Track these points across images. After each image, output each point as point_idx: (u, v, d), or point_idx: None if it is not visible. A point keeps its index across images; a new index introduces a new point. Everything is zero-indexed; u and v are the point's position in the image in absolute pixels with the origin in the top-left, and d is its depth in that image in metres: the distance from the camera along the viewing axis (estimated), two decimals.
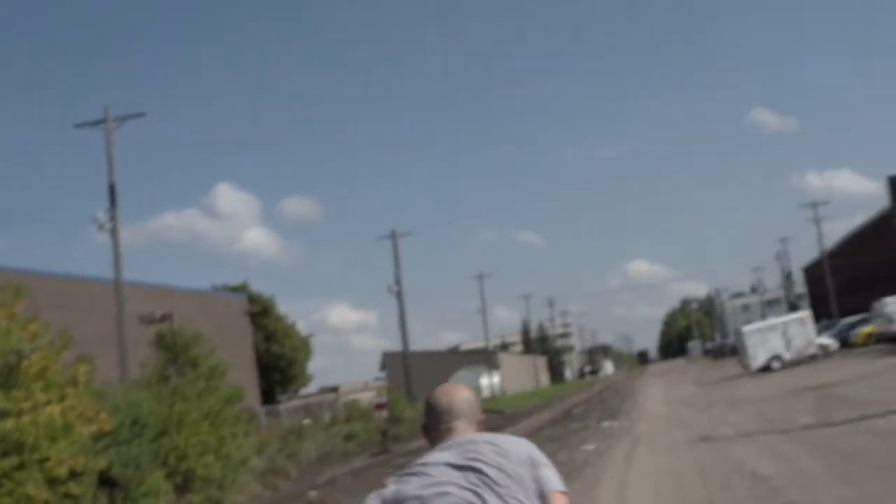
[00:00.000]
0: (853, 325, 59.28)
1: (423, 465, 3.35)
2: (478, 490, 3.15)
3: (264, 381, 66.94)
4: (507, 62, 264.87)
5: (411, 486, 3.28)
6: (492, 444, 3.34)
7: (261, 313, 73.60)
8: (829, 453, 13.95)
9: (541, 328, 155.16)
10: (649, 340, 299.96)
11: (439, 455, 3.34)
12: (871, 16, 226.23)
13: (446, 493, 3.17)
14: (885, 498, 9.74)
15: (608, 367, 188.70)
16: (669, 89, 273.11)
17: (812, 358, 49.07)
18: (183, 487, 23.69)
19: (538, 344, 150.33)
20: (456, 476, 3.22)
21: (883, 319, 48.56)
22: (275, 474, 29.81)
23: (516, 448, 3.35)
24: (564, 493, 3.28)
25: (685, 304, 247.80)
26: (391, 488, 3.38)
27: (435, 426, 3.53)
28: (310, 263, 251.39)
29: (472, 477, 3.19)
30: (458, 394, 3.61)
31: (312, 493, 22.89)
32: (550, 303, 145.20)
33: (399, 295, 60.50)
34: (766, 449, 16.02)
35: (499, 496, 3.14)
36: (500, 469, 3.21)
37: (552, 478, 3.29)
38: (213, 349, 28.53)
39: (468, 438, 3.39)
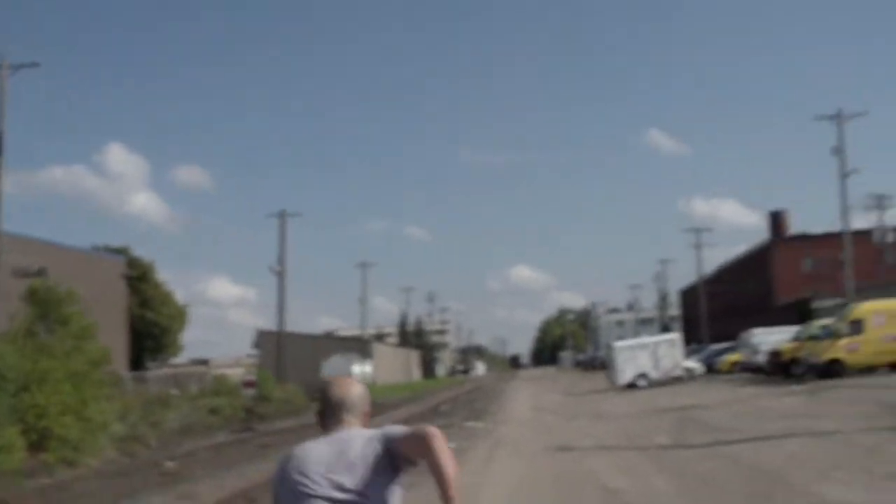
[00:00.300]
0: (720, 352, 60.94)
1: (293, 463, 3.77)
2: (340, 482, 3.60)
3: (135, 347, 65.59)
4: (414, 61, 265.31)
5: (290, 465, 3.78)
6: (364, 437, 3.75)
7: (139, 278, 72.15)
8: (682, 474, 14.30)
9: (418, 322, 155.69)
10: (524, 346, 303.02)
11: (319, 445, 3.80)
12: (770, 60, 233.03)
13: (313, 486, 3.62)
14: None
15: (480, 367, 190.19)
16: (571, 102, 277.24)
17: (677, 379, 50.26)
18: (38, 446, 23.10)
19: (414, 338, 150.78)
20: (331, 461, 3.67)
21: (749, 350, 50.02)
22: (135, 441, 29.24)
23: (376, 433, 3.77)
24: (401, 427, 3.80)
25: (562, 313, 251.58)
26: (291, 454, 3.87)
27: (327, 416, 3.93)
28: (195, 233, 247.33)
29: (338, 466, 3.64)
30: (351, 389, 4.01)
31: (169, 464, 22.52)
32: (430, 298, 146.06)
33: (280, 275, 59.89)
34: (622, 464, 16.33)
35: (364, 482, 3.59)
36: (363, 457, 3.64)
37: (396, 429, 3.75)
38: (86, 309, 27.89)
39: (347, 433, 3.80)
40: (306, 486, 3.64)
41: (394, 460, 3.65)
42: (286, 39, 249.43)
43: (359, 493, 3.58)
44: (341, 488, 3.60)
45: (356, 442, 3.72)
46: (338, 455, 3.68)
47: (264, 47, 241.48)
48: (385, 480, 3.64)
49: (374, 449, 3.66)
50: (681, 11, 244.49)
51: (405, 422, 32.83)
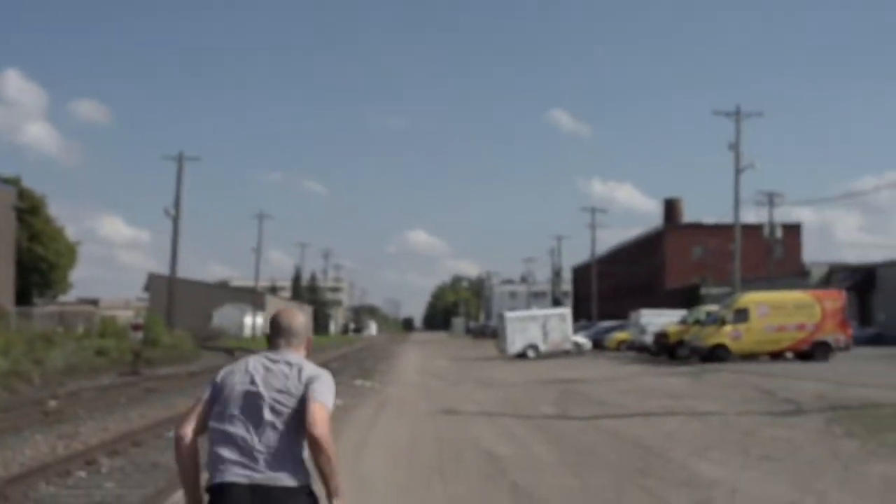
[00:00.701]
0: (608, 330, 62.10)
1: (236, 372, 4.55)
2: (269, 396, 4.39)
3: (21, 282, 63.77)
4: (328, 17, 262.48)
5: (231, 377, 4.52)
6: (290, 363, 4.52)
7: (29, 211, 70.08)
8: (563, 444, 14.61)
9: (313, 278, 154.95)
10: (417, 310, 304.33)
11: (257, 360, 4.58)
12: (684, 45, 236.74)
13: (247, 396, 4.39)
14: (605, 491, 10.31)
15: (372, 327, 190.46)
16: (477, 73, 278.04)
17: (566, 353, 51.08)
18: None
19: (307, 293, 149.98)
20: (260, 384, 4.43)
21: (636, 329, 51.11)
22: (17, 377, 28.62)
23: (308, 370, 4.49)
24: (322, 404, 4.34)
25: (456, 280, 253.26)
26: (221, 374, 4.59)
27: (274, 338, 4.69)
28: (90, 170, 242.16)
29: (268, 388, 4.42)
30: (295, 318, 4.78)
31: (52, 402, 22.13)
32: (326, 255, 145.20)
33: (175, 219, 58.90)
34: (505, 431, 16.60)
35: (284, 406, 4.37)
36: (285, 382, 4.43)
37: (319, 390, 4.39)
38: None
39: (281, 356, 4.57)
40: (232, 394, 4.45)
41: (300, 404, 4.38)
42: None
43: (275, 402, 4.39)
44: (267, 404, 4.38)
45: (293, 371, 4.49)
46: (270, 370, 4.49)
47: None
48: (297, 402, 4.38)
49: (297, 388, 4.41)
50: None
51: None
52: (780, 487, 10.49)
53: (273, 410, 4.37)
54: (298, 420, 4.33)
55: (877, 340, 55.97)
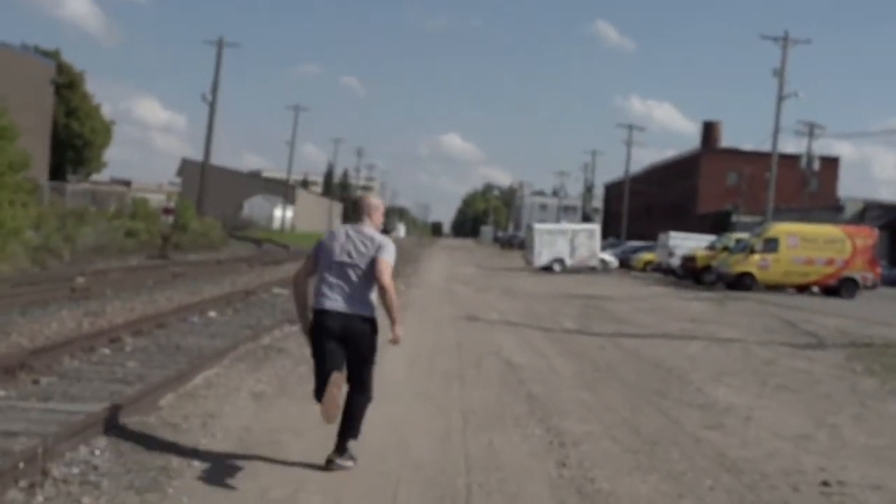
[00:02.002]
0: (636, 250, 62.01)
1: (335, 236, 7.21)
2: (354, 256, 7.04)
3: (56, 157, 64.09)
4: None
5: (332, 242, 7.15)
6: (368, 236, 7.13)
7: (67, 86, 70.05)
8: (581, 359, 14.70)
9: (345, 175, 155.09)
10: (446, 215, 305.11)
11: (349, 231, 7.20)
12: None
13: (342, 253, 7.07)
14: (618, 409, 10.39)
15: (401, 229, 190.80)
16: None
17: (592, 269, 51.15)
18: None
19: (339, 189, 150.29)
20: (347, 243, 7.10)
21: (664, 251, 51.03)
22: (47, 252, 28.96)
23: (378, 239, 7.11)
24: (387, 261, 7.02)
25: (487, 188, 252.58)
26: (324, 239, 7.29)
27: (357, 214, 7.32)
28: (129, 49, 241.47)
29: (351, 245, 7.09)
30: (371, 201, 7.44)
31: (80, 279, 22.40)
32: (359, 153, 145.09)
33: (212, 105, 58.85)
34: (525, 342, 16.71)
35: (365, 263, 7.02)
36: (363, 244, 7.07)
37: (386, 251, 7.05)
38: (6, 110, 27.15)
39: (363, 229, 7.18)
40: (333, 250, 7.11)
41: (376, 266, 7.02)
42: None
43: (355, 263, 7.04)
44: (349, 256, 7.07)
45: (366, 239, 7.11)
46: (353, 240, 7.11)
47: None
48: (367, 274, 7.02)
49: (371, 252, 7.04)
50: None
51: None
52: (794, 419, 10.53)
53: (355, 269, 7.05)
54: (370, 273, 7.02)
55: None
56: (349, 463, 7.18)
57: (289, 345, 13.79)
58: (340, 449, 7.18)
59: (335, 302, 7.00)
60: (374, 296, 7.07)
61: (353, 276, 7.00)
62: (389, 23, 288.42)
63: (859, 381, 13.82)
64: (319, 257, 7.16)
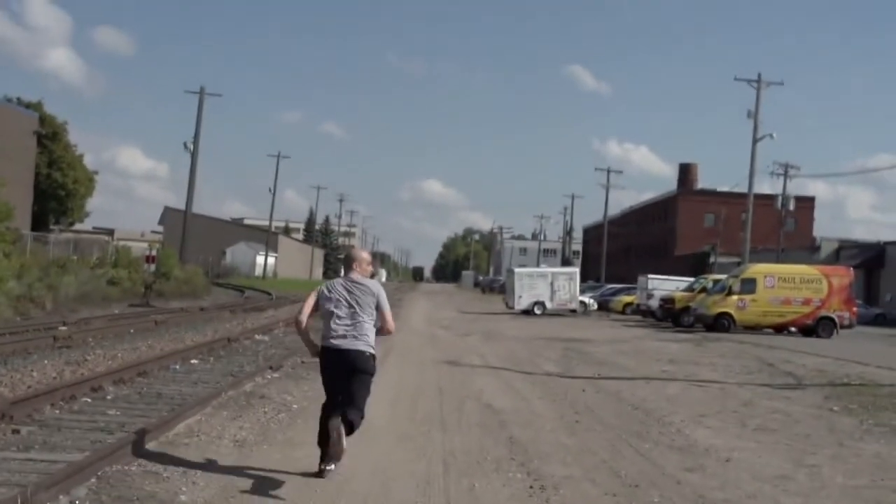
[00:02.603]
0: (615, 292, 62.22)
1: (333, 286, 8.55)
2: (350, 301, 8.35)
3: (39, 207, 64.04)
4: None
5: (333, 289, 8.52)
6: (360, 283, 8.51)
7: (50, 137, 70.17)
8: (563, 402, 14.75)
9: (326, 221, 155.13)
10: (427, 259, 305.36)
11: (343, 281, 8.58)
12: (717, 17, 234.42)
13: (339, 300, 8.37)
14: (599, 452, 10.45)
15: (382, 275, 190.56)
16: (500, 22, 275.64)
17: (572, 312, 51.30)
18: None
19: (320, 236, 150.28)
20: (345, 294, 8.44)
21: (643, 293, 51.26)
22: (30, 302, 28.92)
23: (372, 287, 8.49)
24: (387, 310, 8.58)
25: (468, 233, 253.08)
26: (323, 288, 8.57)
27: (346, 266, 8.75)
28: (111, 100, 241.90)
29: (350, 296, 8.41)
30: (359, 253, 8.83)
31: (62, 328, 22.37)
32: (340, 199, 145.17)
33: (194, 154, 58.90)
34: (506, 386, 16.76)
35: (359, 306, 8.36)
36: (361, 294, 8.41)
37: (383, 301, 8.52)
38: None
39: (350, 278, 8.54)
40: (331, 298, 8.46)
41: (374, 309, 8.52)
42: None
43: (353, 309, 8.42)
44: (346, 302, 8.43)
45: (358, 286, 8.54)
46: (348, 288, 8.52)
47: None
48: (368, 315, 8.46)
49: (367, 296, 8.49)
50: None
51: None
52: (774, 459, 10.62)
53: (352, 313, 8.44)
54: (370, 316, 8.49)
55: (881, 320, 56.09)
56: (331, 468, 8.44)
57: (271, 391, 13.82)
58: (326, 456, 8.44)
59: (338, 340, 8.38)
60: (371, 333, 8.51)
61: (350, 318, 8.43)
62: (369, 68, 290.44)
63: (837, 421, 13.92)
64: (320, 304, 8.58)
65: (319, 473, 8.40)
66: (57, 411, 11.29)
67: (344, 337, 8.36)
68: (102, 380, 13.52)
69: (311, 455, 8.86)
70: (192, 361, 17.63)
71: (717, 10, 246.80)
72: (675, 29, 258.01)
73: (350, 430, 8.36)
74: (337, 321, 8.39)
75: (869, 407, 15.42)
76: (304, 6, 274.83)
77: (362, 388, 8.57)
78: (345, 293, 8.47)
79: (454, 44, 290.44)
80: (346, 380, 8.45)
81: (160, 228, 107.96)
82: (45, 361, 16.15)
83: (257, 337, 24.18)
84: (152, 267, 40.83)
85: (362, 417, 8.60)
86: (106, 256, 47.50)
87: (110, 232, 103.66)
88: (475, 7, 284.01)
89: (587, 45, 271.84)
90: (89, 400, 12.27)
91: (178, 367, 16.63)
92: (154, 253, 42.27)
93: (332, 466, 8.45)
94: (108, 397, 12.65)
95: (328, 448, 8.29)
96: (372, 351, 8.53)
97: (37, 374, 14.41)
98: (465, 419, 12.41)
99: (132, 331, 23.98)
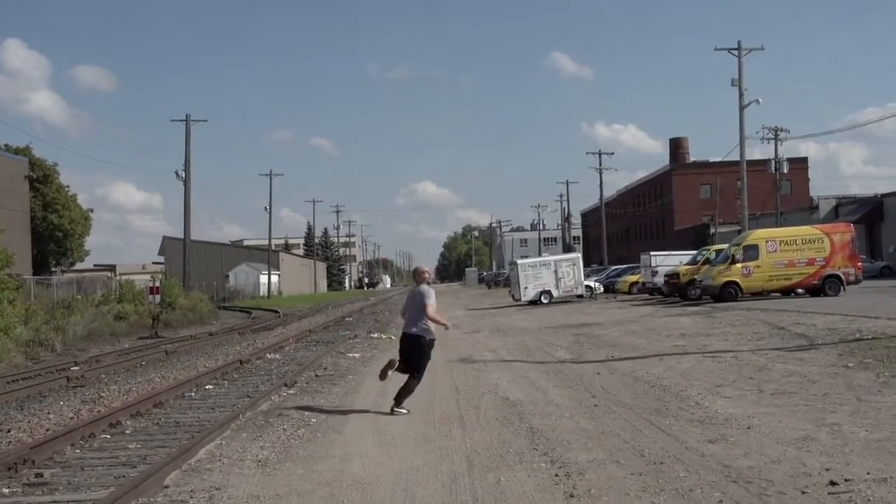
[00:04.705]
0: (620, 273, 62.23)
1: (410, 292, 13.38)
2: (409, 305, 13.14)
3: (38, 251, 64.13)
4: None
5: (407, 297, 13.41)
6: (417, 290, 12.94)
7: (41, 180, 70.29)
8: (578, 388, 14.76)
9: (325, 234, 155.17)
10: (429, 261, 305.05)
11: (411, 288, 13.37)
12: None
13: (406, 302, 13.24)
14: (619, 433, 10.46)
15: (386, 281, 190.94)
16: (476, 19, 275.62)
17: (579, 298, 51.33)
18: None
19: (321, 249, 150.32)
20: (411, 295, 13.13)
21: (647, 271, 51.23)
22: (39, 346, 28.95)
23: (423, 291, 12.84)
24: (429, 304, 12.70)
25: (467, 230, 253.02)
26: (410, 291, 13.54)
27: (415, 278, 13.58)
28: (98, 136, 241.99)
29: (410, 299, 13.13)
30: (418, 270, 13.57)
31: (74, 368, 22.38)
32: (337, 210, 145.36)
33: (186, 181, 58.97)
34: (521, 377, 16.78)
35: (412, 308, 12.99)
36: (413, 297, 12.98)
37: (428, 298, 12.74)
38: None
39: (416, 287, 13.13)
40: (406, 302, 13.27)
41: (422, 304, 12.74)
42: None
43: (410, 307, 13.02)
44: (411, 302, 13.00)
45: (417, 293, 12.87)
46: (413, 294, 12.97)
47: None
48: (421, 310, 12.75)
49: (421, 297, 12.74)
50: None
51: (309, 333, 33.18)
52: (794, 422, 10.64)
53: (412, 309, 12.90)
54: (422, 309, 12.65)
55: (887, 273, 56.09)
56: (404, 411, 12.85)
57: (287, 408, 13.84)
58: (397, 402, 12.99)
59: (406, 327, 13.12)
60: (425, 322, 12.86)
61: (411, 312, 13.05)
62: (351, 79, 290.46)
63: (853, 377, 13.94)
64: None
65: (391, 412, 12.91)
66: (78, 451, 11.31)
67: (409, 324, 13.04)
68: (119, 415, 13.55)
69: (332, 469, 8.87)
70: (207, 387, 17.65)
71: None
72: (650, 5, 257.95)
73: (409, 387, 13.01)
74: (406, 315, 13.21)
75: (884, 360, 15.43)
76: (283, 26, 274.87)
77: (420, 360, 13.08)
78: (412, 297, 13.10)
79: (434, 46, 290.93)
80: (409, 351, 13.02)
81: (161, 259, 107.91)
82: (61, 403, 16.18)
83: (269, 356, 24.19)
84: (157, 298, 40.85)
85: (419, 380, 13.13)
86: (110, 292, 47.61)
87: (112, 268, 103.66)
88: (450, 9, 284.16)
89: (564, 31, 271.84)
90: (108, 436, 12.29)
91: (193, 394, 16.65)
92: (157, 284, 42.26)
93: (400, 410, 12.85)
94: (127, 432, 12.67)
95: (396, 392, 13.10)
96: (422, 334, 12.86)
97: (54, 416, 14.43)
98: (484, 415, 12.43)
99: (144, 363, 24.02)
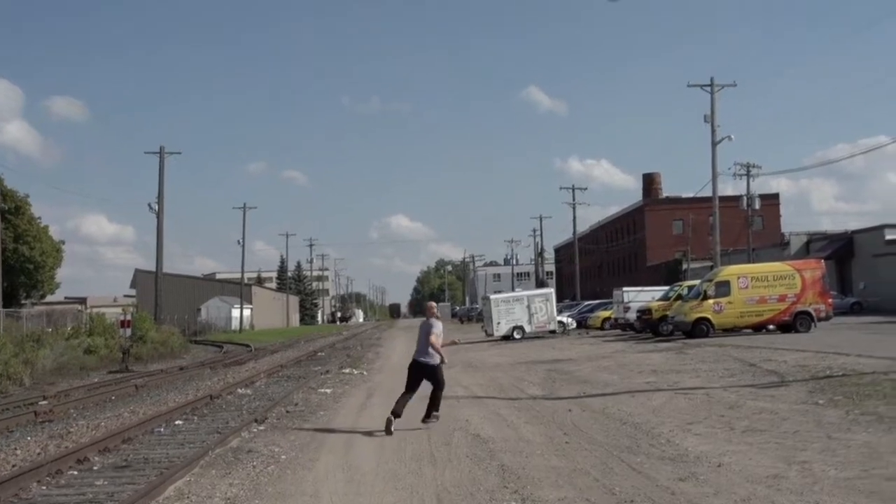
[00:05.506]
0: (592, 309, 62.31)
1: (420, 324, 15.67)
2: (419, 336, 15.38)
3: (8, 283, 63.45)
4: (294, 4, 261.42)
5: (418, 329, 15.73)
6: (427, 322, 15.18)
7: (13, 211, 69.78)
8: (550, 425, 14.75)
9: (298, 267, 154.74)
10: (403, 295, 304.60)
11: (422, 321, 15.52)
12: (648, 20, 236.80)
13: (418, 333, 15.47)
14: (590, 471, 10.46)
15: (359, 315, 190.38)
16: (450, 54, 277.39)
17: (551, 333, 51.33)
18: None
19: (294, 283, 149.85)
20: (421, 327, 15.44)
21: (619, 307, 51.37)
22: (7, 379, 28.62)
23: (434, 322, 15.05)
24: (434, 334, 14.95)
25: (440, 265, 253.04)
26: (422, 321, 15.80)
27: (426, 312, 15.72)
28: (71, 168, 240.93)
29: (420, 330, 15.47)
30: (429, 306, 15.90)
31: (43, 402, 22.14)
32: (310, 244, 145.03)
33: (159, 214, 58.74)
34: (493, 414, 16.76)
35: (424, 332, 15.19)
36: (423, 329, 15.26)
37: (433, 328, 15.00)
38: None
39: (426, 320, 15.32)
40: (420, 328, 15.50)
41: (429, 336, 14.98)
42: None
43: (421, 337, 15.24)
44: (422, 333, 15.23)
45: (426, 325, 15.16)
46: (424, 326, 15.24)
47: None
48: (426, 338, 15.01)
49: (428, 329, 14.99)
50: None
51: (280, 368, 32.98)
52: (765, 459, 10.67)
53: (422, 339, 15.11)
54: (428, 337, 14.90)
55: (857, 309, 56.51)
56: (435, 420, 15.12)
57: (258, 445, 13.74)
58: (428, 415, 15.17)
59: (417, 355, 15.22)
60: (431, 350, 14.97)
61: (420, 342, 15.20)
62: (325, 112, 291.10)
63: (824, 414, 14.01)
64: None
65: (423, 421, 15.11)
66: (44, 487, 11.18)
67: (419, 354, 15.12)
68: (87, 451, 13.40)
69: None
70: (177, 422, 17.51)
71: (663, 22, 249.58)
72: (624, 41, 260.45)
73: (436, 398, 15.35)
74: (417, 344, 15.30)
75: (853, 397, 15.52)
76: (257, 59, 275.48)
77: (436, 381, 15.26)
78: (420, 328, 15.40)
79: (408, 80, 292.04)
80: (422, 375, 15.16)
81: (133, 292, 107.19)
82: (28, 438, 15.99)
83: (240, 391, 24.04)
84: (128, 331, 40.49)
85: (442, 389, 15.50)
86: (80, 326, 47.17)
87: (83, 300, 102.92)
88: (426, 42, 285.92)
89: (540, 65, 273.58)
90: (76, 472, 12.15)
91: (162, 429, 16.51)
92: (128, 317, 41.86)
93: (431, 420, 15.15)
94: (95, 468, 12.54)
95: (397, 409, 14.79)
96: (431, 361, 15.02)
97: (20, 451, 14.26)
98: (455, 452, 12.39)
99: (113, 398, 23.78)
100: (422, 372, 15.12)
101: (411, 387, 15.14)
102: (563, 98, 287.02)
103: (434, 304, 16.15)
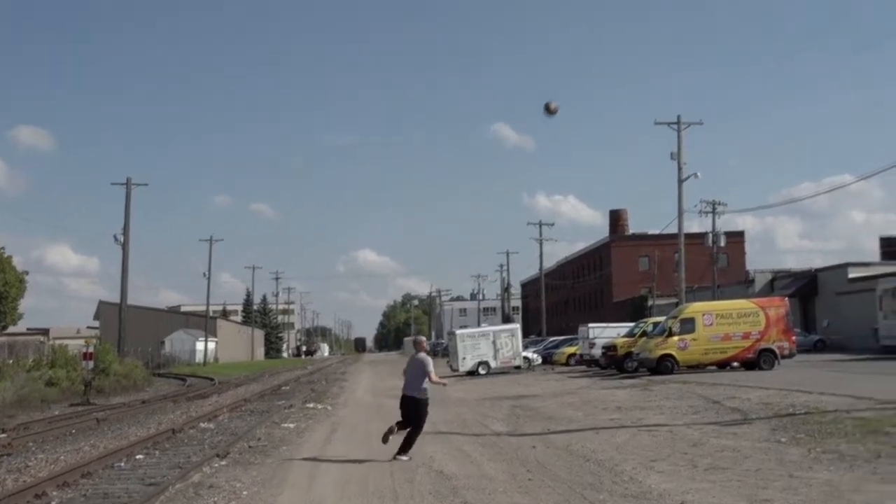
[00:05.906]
0: (558, 345, 62.48)
1: (409, 360, 15.90)
2: (408, 370, 15.65)
3: None
4: (269, 36, 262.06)
5: (407, 364, 16.02)
6: (417, 357, 15.45)
7: None
8: (514, 461, 14.73)
9: (264, 301, 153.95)
10: (369, 329, 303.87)
11: (411, 357, 15.77)
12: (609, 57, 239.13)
13: (407, 368, 15.78)
14: None
15: (325, 349, 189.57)
16: (420, 89, 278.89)
17: (516, 369, 51.34)
18: None
19: (259, 316, 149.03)
20: (410, 363, 15.71)
21: (585, 343, 51.50)
22: None
23: (423, 359, 15.37)
24: (430, 371, 15.33)
25: (407, 299, 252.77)
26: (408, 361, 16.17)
27: (415, 347, 15.94)
28: (35, 197, 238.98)
29: (410, 365, 15.65)
30: (418, 340, 16.32)
31: (1, 436, 21.85)
32: (276, 277, 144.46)
33: (125, 246, 58.36)
34: (456, 450, 16.70)
35: (412, 373, 15.49)
36: (414, 364, 15.46)
37: (428, 366, 15.27)
38: None
39: (415, 356, 15.61)
40: (406, 369, 15.81)
41: (423, 374, 15.24)
42: (138, 5, 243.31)
43: (410, 377, 15.51)
44: (412, 368, 15.50)
45: (417, 360, 15.41)
46: (413, 361, 15.55)
47: (116, 22, 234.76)
48: (420, 375, 15.31)
49: (421, 366, 15.29)
50: (533, 11, 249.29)
51: (244, 402, 32.74)
52: (727, 497, 10.70)
53: (411, 374, 15.43)
54: (422, 374, 15.24)
55: (821, 347, 56.99)
56: (405, 458, 14.98)
57: (219, 480, 13.62)
58: (401, 451, 15.16)
59: (406, 390, 15.49)
60: (423, 385, 15.31)
61: (410, 376, 15.47)
62: (292, 146, 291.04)
63: (786, 452, 14.08)
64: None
65: (394, 458, 15.00)
66: None
67: (407, 387, 15.45)
68: (46, 485, 13.23)
69: None
70: (138, 457, 17.32)
71: (629, 59, 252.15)
72: (589, 79, 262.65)
73: (410, 439, 15.40)
74: (405, 378, 15.58)
75: (815, 435, 15.62)
76: (219, 88, 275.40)
77: (418, 418, 15.46)
78: (411, 364, 15.55)
79: (376, 114, 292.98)
80: (409, 410, 15.40)
81: (96, 323, 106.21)
82: None
83: (202, 425, 23.83)
84: (90, 364, 40.09)
85: (419, 432, 15.59)
86: (42, 357, 46.61)
87: (45, 331, 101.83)
88: (395, 78, 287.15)
89: (507, 101, 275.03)
90: None
91: (123, 464, 16.32)
92: (91, 349, 41.45)
93: (402, 457, 15.02)
94: (53, 503, 12.37)
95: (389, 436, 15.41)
96: (419, 396, 15.32)
97: None
98: (418, 489, 12.33)
99: (74, 431, 23.51)
100: (409, 407, 15.45)
101: (407, 423, 15.57)
102: (530, 134, 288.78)
103: (424, 338, 16.77)
